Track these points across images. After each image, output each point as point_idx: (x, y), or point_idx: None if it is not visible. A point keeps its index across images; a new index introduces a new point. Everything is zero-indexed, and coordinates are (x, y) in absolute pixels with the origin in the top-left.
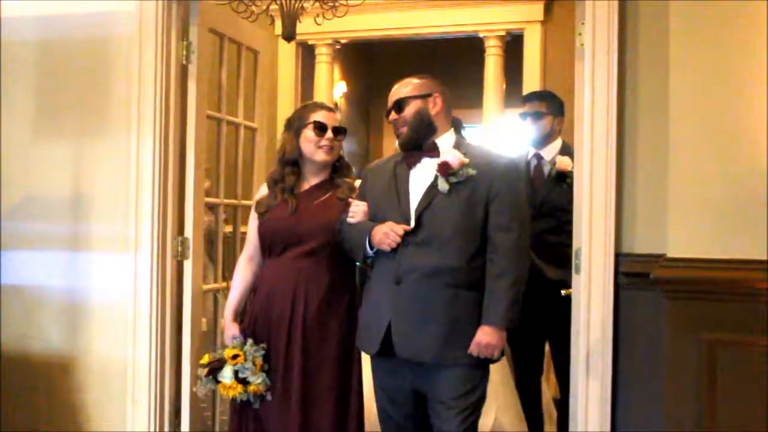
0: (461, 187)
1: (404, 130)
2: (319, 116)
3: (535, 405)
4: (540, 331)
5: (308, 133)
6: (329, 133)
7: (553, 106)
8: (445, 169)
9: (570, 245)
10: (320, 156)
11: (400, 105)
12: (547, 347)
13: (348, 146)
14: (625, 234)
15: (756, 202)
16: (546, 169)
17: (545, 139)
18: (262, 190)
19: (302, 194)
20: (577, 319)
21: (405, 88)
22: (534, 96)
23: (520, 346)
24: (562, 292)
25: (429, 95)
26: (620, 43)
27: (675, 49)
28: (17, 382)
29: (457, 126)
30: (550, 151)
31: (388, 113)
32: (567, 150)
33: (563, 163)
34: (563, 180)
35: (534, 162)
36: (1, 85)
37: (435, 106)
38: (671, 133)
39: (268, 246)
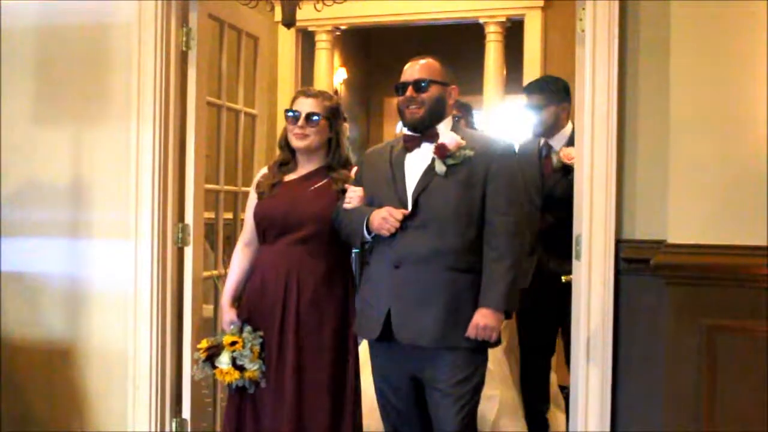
0: (458, 170)
1: (420, 111)
2: (295, 104)
3: (542, 396)
4: (550, 323)
5: (287, 120)
6: (300, 121)
7: (553, 95)
8: (442, 150)
9: None
10: (294, 143)
11: (421, 85)
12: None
13: (348, 133)
14: (625, 220)
15: (756, 188)
16: (554, 159)
17: (552, 129)
18: (262, 171)
19: (296, 181)
20: (578, 306)
21: (429, 69)
22: (532, 88)
23: (531, 339)
24: (563, 278)
25: (448, 84)
26: (621, 28)
27: (676, 36)
28: (18, 369)
29: (467, 110)
30: (559, 140)
31: (403, 89)
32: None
33: (569, 155)
34: (569, 172)
35: (544, 152)
36: (0, 72)
37: (450, 98)
38: (672, 119)
39: (263, 232)
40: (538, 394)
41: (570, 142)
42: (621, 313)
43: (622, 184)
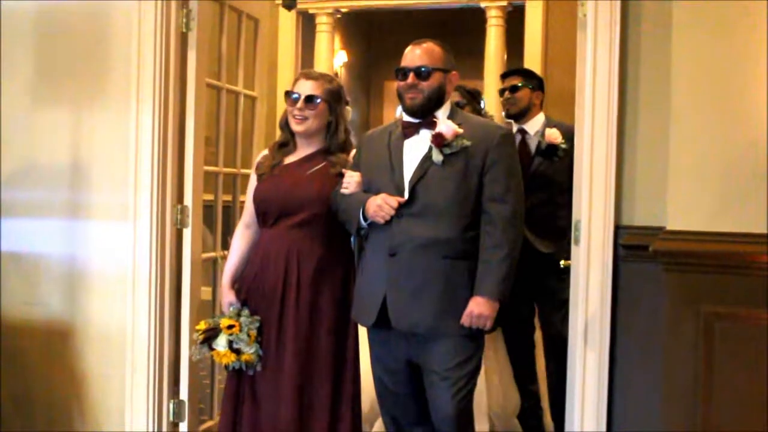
0: (455, 158)
1: (419, 97)
2: (296, 85)
3: (528, 377)
4: (531, 304)
5: (287, 102)
6: (299, 103)
7: (528, 80)
8: (439, 140)
9: (560, 217)
10: (293, 126)
11: (422, 72)
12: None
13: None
14: (624, 206)
15: (756, 175)
16: (532, 143)
17: (524, 113)
18: (263, 153)
19: (294, 164)
20: (576, 291)
21: (431, 55)
22: (509, 72)
23: (511, 320)
24: (561, 263)
25: (449, 71)
26: (623, 13)
27: (677, 21)
28: (17, 349)
29: (475, 96)
30: (533, 126)
31: (404, 74)
32: (552, 124)
33: (552, 135)
34: (554, 153)
35: (518, 137)
36: (0, 52)
37: (450, 84)
38: (673, 105)
39: (262, 216)
40: (525, 373)
41: (543, 128)
42: (619, 299)
43: (622, 169)
